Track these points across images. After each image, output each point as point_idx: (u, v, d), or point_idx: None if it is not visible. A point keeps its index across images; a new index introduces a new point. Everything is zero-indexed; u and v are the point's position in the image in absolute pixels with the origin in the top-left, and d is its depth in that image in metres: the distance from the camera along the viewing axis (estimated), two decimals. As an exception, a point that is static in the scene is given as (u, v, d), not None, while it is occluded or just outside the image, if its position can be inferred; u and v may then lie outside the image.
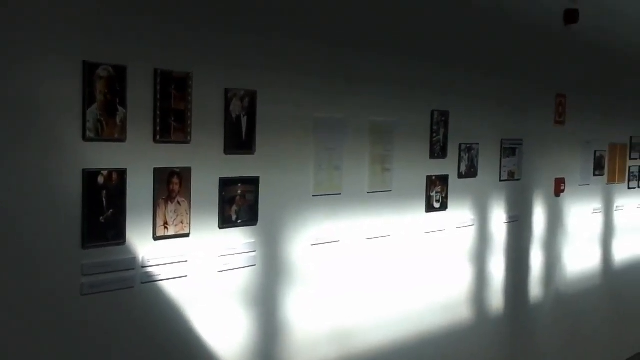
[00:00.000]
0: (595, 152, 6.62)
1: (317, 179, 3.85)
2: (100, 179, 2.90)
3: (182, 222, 3.20)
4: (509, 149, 5.40)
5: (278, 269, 3.69)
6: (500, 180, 5.36)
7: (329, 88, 3.92)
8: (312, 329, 3.91)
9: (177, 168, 3.17)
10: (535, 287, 5.90)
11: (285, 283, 3.73)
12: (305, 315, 3.86)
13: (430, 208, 4.68)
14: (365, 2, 4.13)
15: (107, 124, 2.90)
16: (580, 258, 6.52)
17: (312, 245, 3.86)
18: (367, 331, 4.28)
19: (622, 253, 7.27)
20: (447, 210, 4.82)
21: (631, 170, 7.33)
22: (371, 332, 4.31)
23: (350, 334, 4.17)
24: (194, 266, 3.27)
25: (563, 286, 6.27)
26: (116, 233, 2.97)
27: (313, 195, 3.84)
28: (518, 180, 5.54)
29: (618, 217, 7.15)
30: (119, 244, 2.97)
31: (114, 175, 2.94)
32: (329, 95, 3.92)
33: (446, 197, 4.79)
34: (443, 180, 4.76)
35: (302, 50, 3.74)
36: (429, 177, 4.65)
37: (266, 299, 3.64)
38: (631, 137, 7.29)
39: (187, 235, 3.23)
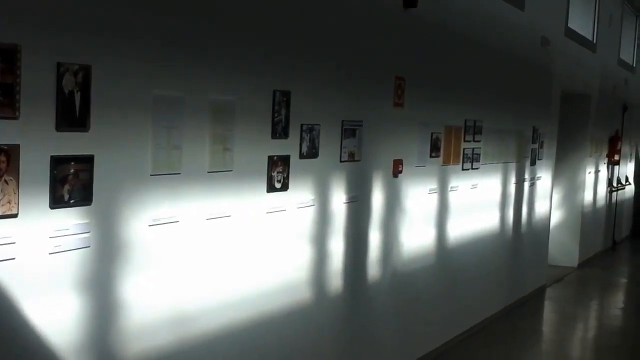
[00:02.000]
0: (432, 134, 6.83)
1: (156, 159, 3.75)
2: None
3: (9, 202, 3.03)
4: (350, 130, 5.48)
5: (114, 251, 3.58)
6: (341, 161, 5.43)
7: (169, 66, 3.82)
8: (150, 313, 3.82)
9: (4, 145, 2.99)
10: (373, 266, 6.03)
11: (121, 265, 3.62)
12: (143, 298, 3.76)
13: (271, 188, 4.68)
14: (206, -22, 4.07)
15: None
16: (416, 237, 6.73)
17: (150, 225, 3.77)
18: (208, 313, 4.24)
19: (455, 232, 7.56)
20: (289, 190, 4.83)
21: (465, 152, 7.61)
22: (212, 315, 4.27)
23: (190, 316, 4.11)
24: (23, 248, 3.11)
25: (400, 265, 6.45)
26: None
27: (151, 175, 3.74)
28: (358, 161, 5.62)
29: (453, 197, 7.42)
30: (-62, 226, 2.79)
31: None
32: (169, 73, 3.83)
33: (287, 177, 4.80)
34: (284, 160, 4.77)
35: (140, 26, 3.62)
36: (270, 157, 4.64)
37: (101, 282, 3.52)
38: (465, 120, 7.56)
39: (15, 215, 3.06)
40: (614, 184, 14.66)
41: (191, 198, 4.03)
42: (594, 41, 12.52)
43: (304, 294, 5.15)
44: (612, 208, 14.80)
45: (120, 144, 3.55)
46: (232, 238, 4.40)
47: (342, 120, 5.40)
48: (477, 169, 7.90)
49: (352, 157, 5.54)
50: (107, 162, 3.46)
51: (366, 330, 6.02)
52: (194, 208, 4.06)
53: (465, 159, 7.63)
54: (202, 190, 4.11)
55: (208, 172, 4.14)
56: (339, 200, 5.45)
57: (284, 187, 4.79)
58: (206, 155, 4.11)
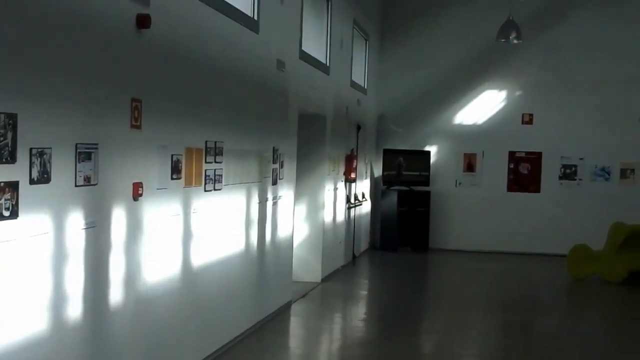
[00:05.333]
0: (172, 156, 6.76)
1: None
2: None
3: None
4: (85, 154, 5.28)
5: None
6: (76, 186, 5.21)
7: None
8: None
9: None
10: (115, 292, 5.84)
11: None
12: None
13: (-1, 217, 4.40)
14: None
15: None
16: (160, 261, 6.61)
17: None
18: None
19: (200, 254, 7.52)
20: (19, 218, 4.56)
21: (207, 174, 7.61)
22: None
23: None
24: None
25: (144, 290, 6.30)
26: None
27: None
28: (95, 185, 5.43)
29: (196, 219, 7.38)
30: None
31: None
32: None
33: (17, 204, 4.53)
34: (13, 186, 4.49)
35: None
36: (-4, 184, 4.37)
37: None
38: (206, 142, 7.57)
39: None
40: (352, 201, 15.37)
41: None
42: (327, 64, 13.07)
43: (40, 326, 4.87)
44: (351, 224, 15.50)
45: None
46: (-45, 272, 4.07)
47: (76, 143, 5.20)
48: (219, 189, 7.93)
49: (88, 181, 5.34)
50: None
51: (110, 358, 5.81)
52: None
53: (208, 181, 7.64)
54: None
55: None
56: (76, 226, 5.23)
57: (14, 215, 4.51)
58: None
